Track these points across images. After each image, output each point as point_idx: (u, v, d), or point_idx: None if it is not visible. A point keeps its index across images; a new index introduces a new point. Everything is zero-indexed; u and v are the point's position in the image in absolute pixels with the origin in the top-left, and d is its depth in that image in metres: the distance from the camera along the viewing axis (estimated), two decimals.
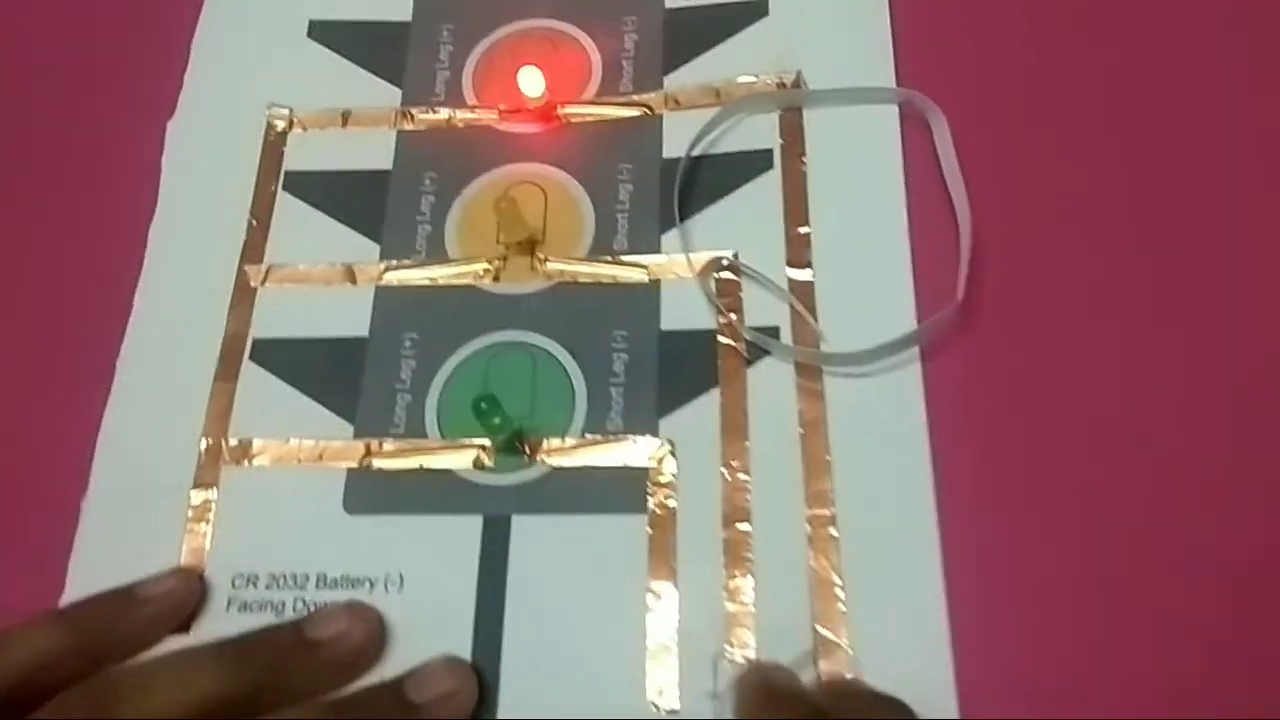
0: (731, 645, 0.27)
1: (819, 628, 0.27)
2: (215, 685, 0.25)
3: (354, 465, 0.30)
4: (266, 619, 0.28)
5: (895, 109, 0.34)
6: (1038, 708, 0.26)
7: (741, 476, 0.29)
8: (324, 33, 0.37)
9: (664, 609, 0.28)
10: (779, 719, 0.24)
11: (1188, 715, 0.26)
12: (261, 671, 0.26)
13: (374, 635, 0.27)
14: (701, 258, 0.32)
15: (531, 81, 0.34)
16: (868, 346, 0.30)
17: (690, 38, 0.36)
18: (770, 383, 0.30)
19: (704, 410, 0.30)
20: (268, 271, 0.33)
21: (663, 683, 0.27)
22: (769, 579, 0.28)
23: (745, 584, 0.28)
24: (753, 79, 0.34)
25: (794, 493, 0.29)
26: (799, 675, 0.27)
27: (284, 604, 0.29)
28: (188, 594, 0.28)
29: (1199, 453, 0.29)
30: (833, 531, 0.28)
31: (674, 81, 0.35)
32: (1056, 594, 0.27)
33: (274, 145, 0.35)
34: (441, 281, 0.33)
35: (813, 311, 0.31)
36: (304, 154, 0.35)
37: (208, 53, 0.37)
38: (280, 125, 0.36)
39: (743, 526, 0.29)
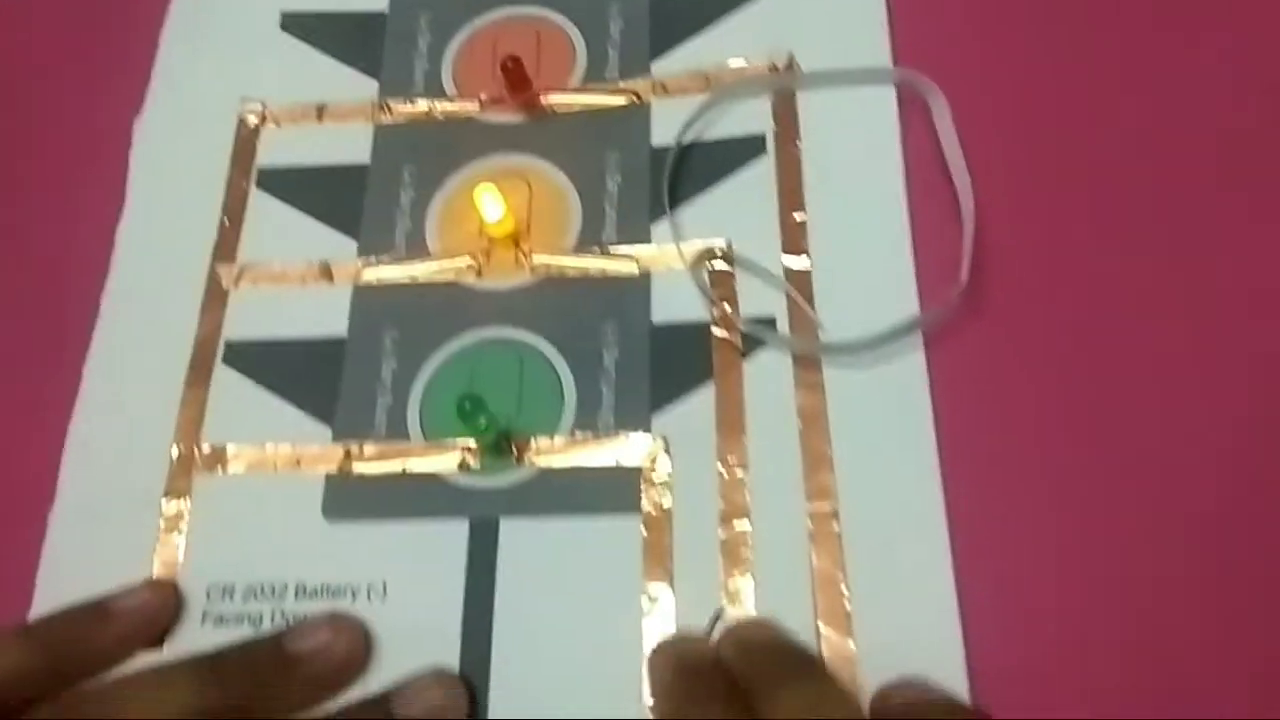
0: None
1: (823, 627, 0.27)
2: (191, 704, 0.24)
3: (333, 470, 0.30)
4: (244, 633, 0.28)
5: (892, 90, 0.33)
6: (1054, 703, 0.25)
7: (739, 473, 0.29)
8: (297, 24, 0.37)
9: (660, 613, 0.27)
10: (694, 693, 0.24)
11: (1192, 702, 0.25)
12: (240, 689, 0.25)
13: (357, 647, 0.27)
14: (693, 248, 0.32)
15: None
16: (868, 335, 0.29)
17: (677, 21, 0.35)
18: (767, 375, 0.30)
19: (698, 406, 0.30)
20: (241, 271, 0.33)
21: None
22: (769, 578, 0.27)
23: (745, 584, 0.27)
24: (743, 62, 0.34)
25: (794, 488, 0.28)
26: (710, 641, 0.26)
27: (262, 616, 0.28)
28: (162, 607, 0.28)
29: (1207, 434, 0.28)
30: (835, 527, 0.28)
31: (662, 67, 0.35)
32: (1071, 587, 0.27)
33: (246, 140, 0.35)
34: (422, 278, 0.32)
35: (810, 301, 0.31)
36: (278, 149, 0.35)
37: (177, 45, 0.37)
38: (253, 120, 0.35)
39: (741, 525, 0.28)
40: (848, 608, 0.27)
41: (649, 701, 0.26)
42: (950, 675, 0.25)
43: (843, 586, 0.27)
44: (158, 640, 0.28)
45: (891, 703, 0.25)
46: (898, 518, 0.28)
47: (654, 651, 0.26)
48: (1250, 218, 0.31)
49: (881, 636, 0.26)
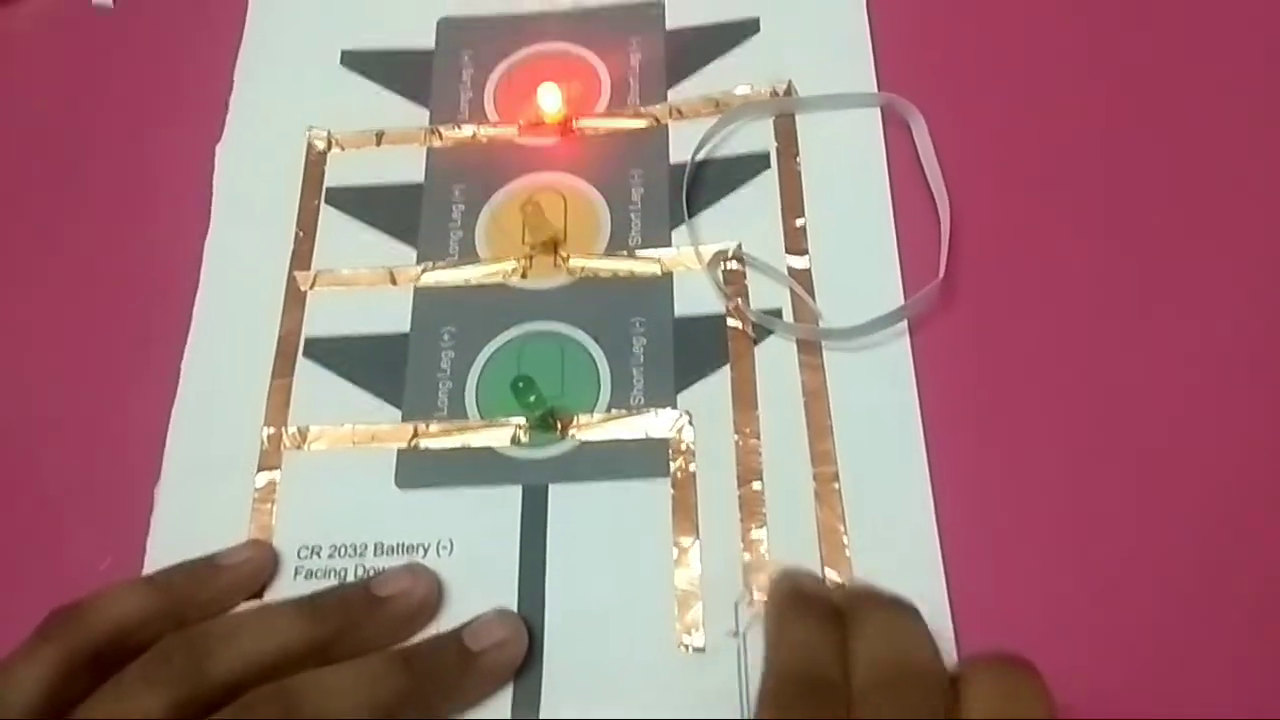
0: (750, 589, 0.30)
1: (827, 570, 0.30)
2: (295, 636, 0.27)
3: (403, 446, 0.33)
4: (330, 585, 0.31)
5: (878, 111, 0.36)
6: (1027, 633, 0.27)
7: (753, 441, 0.32)
8: (356, 61, 0.40)
9: (688, 560, 0.30)
10: (801, 610, 0.27)
11: (1174, 669, 0.28)
12: (335, 624, 0.28)
13: (433, 591, 0.30)
14: (709, 250, 0.35)
15: (550, 98, 0.37)
16: (860, 322, 0.32)
17: (690, 54, 0.38)
18: (775, 358, 0.33)
19: (717, 385, 0.33)
20: (315, 277, 0.36)
21: (690, 625, 0.29)
22: (781, 530, 0.30)
23: (760, 535, 0.31)
24: (748, 89, 0.37)
25: (800, 454, 0.31)
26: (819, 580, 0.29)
27: (345, 571, 0.31)
28: (263, 562, 0.31)
29: (1173, 411, 0.31)
30: (836, 486, 0.31)
31: (677, 94, 0.38)
32: (1038, 532, 0.30)
33: (315, 164, 0.38)
34: (474, 281, 0.35)
35: (811, 294, 0.34)
36: (343, 171, 0.38)
37: (250, 82, 0.40)
38: (320, 145, 0.38)
39: (756, 485, 0.31)
40: (848, 554, 0.30)
41: (679, 635, 0.29)
42: (935, 607, 0.28)
43: (843, 536, 0.30)
44: (259, 592, 0.31)
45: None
46: (888, 476, 0.31)
47: (775, 578, 0.28)
48: (1217, 213, 0.34)
49: (877, 578, 0.29)
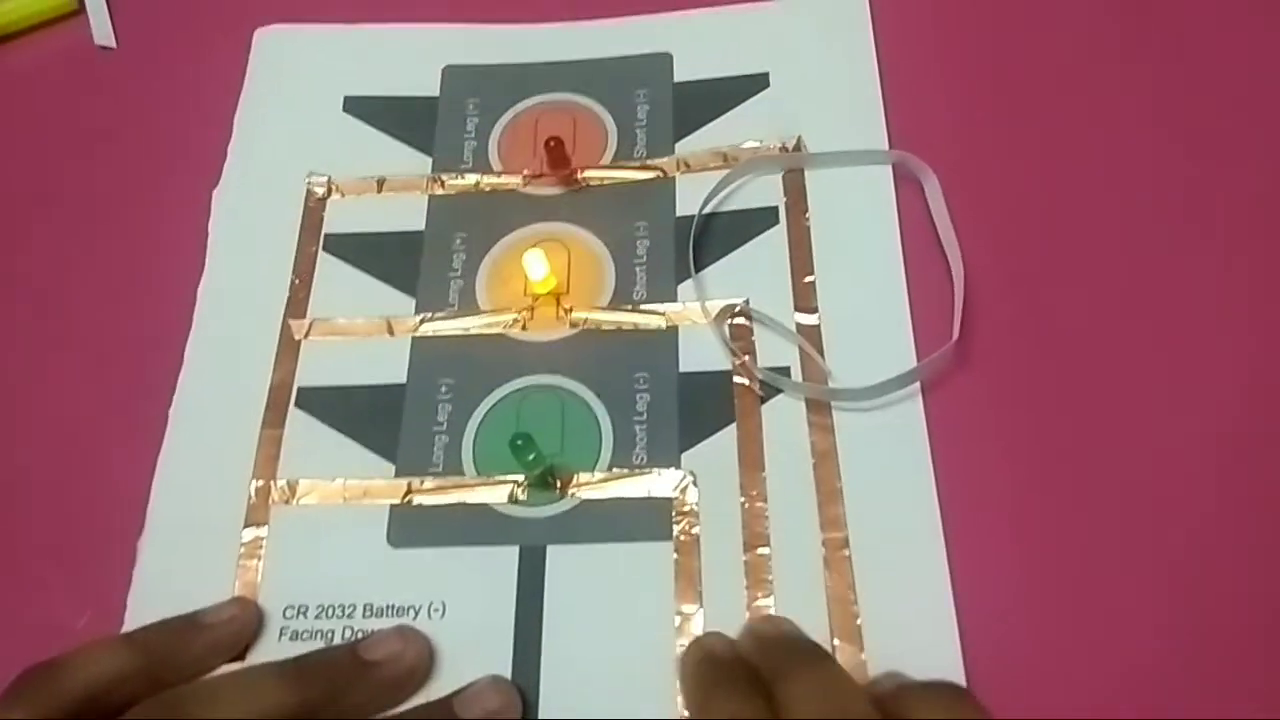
0: None
1: (837, 641, 0.29)
2: (277, 701, 0.26)
3: (396, 502, 0.32)
4: (317, 647, 0.30)
5: (889, 169, 0.36)
6: (1045, 707, 0.28)
7: (759, 504, 0.31)
8: (359, 107, 0.40)
9: (691, 629, 0.29)
10: (717, 680, 0.26)
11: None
12: (320, 689, 0.27)
13: (424, 656, 0.29)
14: (715, 305, 0.34)
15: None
16: (872, 383, 0.32)
17: (698, 107, 0.38)
18: (783, 418, 0.32)
19: (722, 444, 0.32)
20: (311, 325, 0.35)
21: None
22: (788, 598, 0.30)
23: (767, 603, 0.30)
24: (757, 144, 0.37)
25: (809, 518, 0.31)
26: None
27: (333, 633, 0.30)
28: (247, 621, 0.30)
29: (1195, 471, 0.31)
30: (846, 553, 0.30)
31: (684, 147, 0.38)
32: (1057, 600, 0.29)
33: (314, 210, 0.38)
34: (473, 331, 0.35)
35: (820, 352, 0.33)
36: (342, 217, 0.37)
37: (250, 125, 0.39)
38: (320, 191, 0.38)
39: (762, 550, 0.30)
40: (858, 623, 0.29)
41: (680, 708, 0.28)
42: (950, 679, 0.27)
43: (854, 605, 0.29)
44: (241, 653, 0.30)
45: (884, 686, 0.27)
46: (901, 543, 0.30)
47: (684, 650, 0.28)
48: (1227, 269, 0.34)
49: (889, 648, 0.28)
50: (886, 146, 0.37)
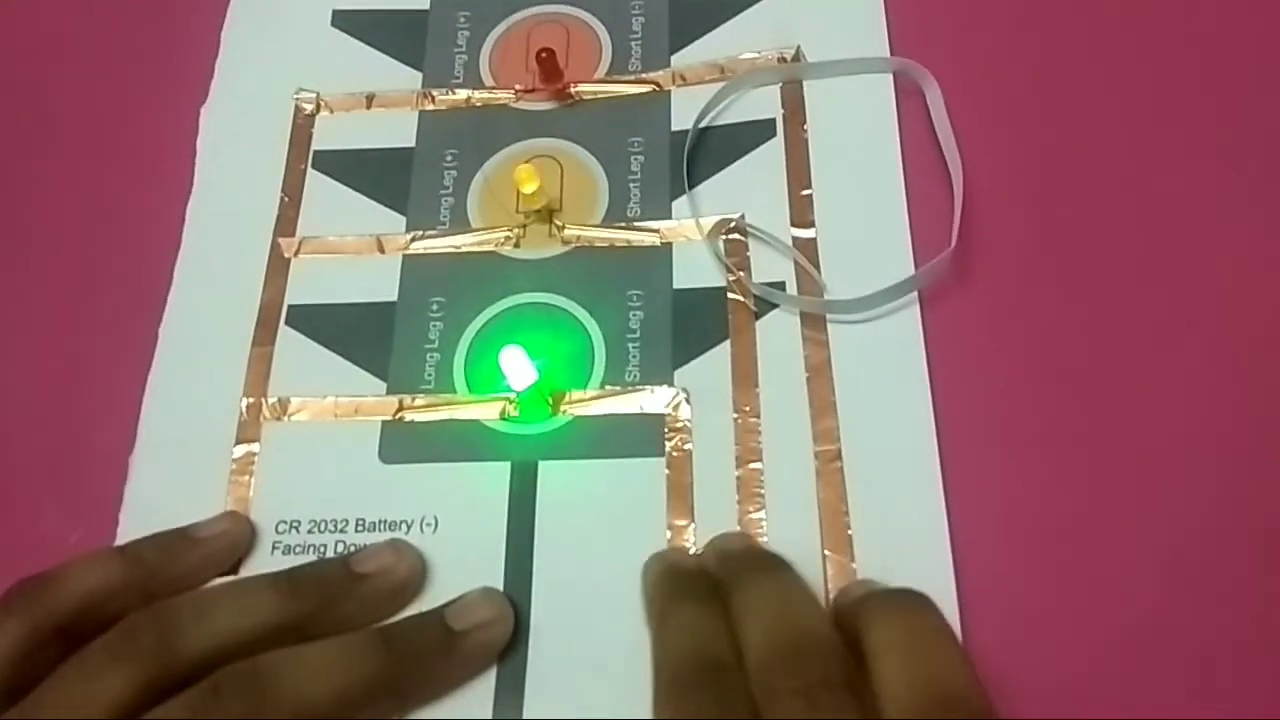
0: None
1: (828, 553, 0.29)
2: (271, 612, 0.27)
3: (388, 419, 0.32)
4: (309, 560, 0.30)
5: (890, 77, 0.35)
6: (1036, 618, 0.28)
7: (752, 420, 0.31)
8: (347, 21, 0.39)
9: (683, 543, 0.29)
10: (676, 590, 0.27)
11: (1182, 660, 0.27)
12: (312, 601, 0.27)
13: (416, 569, 0.29)
14: (710, 221, 0.34)
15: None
16: (867, 293, 0.31)
17: (694, 19, 0.37)
18: (778, 333, 0.32)
19: (716, 361, 0.32)
20: (300, 243, 0.35)
21: None
22: (780, 511, 0.29)
23: (759, 517, 0.29)
24: (754, 55, 0.36)
25: (802, 432, 0.30)
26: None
27: (325, 547, 0.30)
28: (239, 536, 0.30)
29: (1193, 389, 0.30)
30: (838, 465, 0.30)
31: (680, 60, 0.37)
32: (1051, 514, 0.29)
33: (302, 127, 0.37)
34: (465, 249, 0.34)
35: (816, 266, 0.33)
36: (331, 134, 0.37)
37: (237, 42, 0.39)
38: (308, 108, 0.37)
39: (755, 465, 0.30)
40: (849, 534, 0.29)
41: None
42: (941, 591, 0.27)
43: (845, 516, 0.29)
44: (234, 567, 0.30)
45: (851, 593, 0.27)
46: (895, 456, 0.30)
47: (645, 563, 0.28)
48: (1233, 185, 0.33)
49: (880, 560, 0.28)
50: (887, 54, 0.36)
